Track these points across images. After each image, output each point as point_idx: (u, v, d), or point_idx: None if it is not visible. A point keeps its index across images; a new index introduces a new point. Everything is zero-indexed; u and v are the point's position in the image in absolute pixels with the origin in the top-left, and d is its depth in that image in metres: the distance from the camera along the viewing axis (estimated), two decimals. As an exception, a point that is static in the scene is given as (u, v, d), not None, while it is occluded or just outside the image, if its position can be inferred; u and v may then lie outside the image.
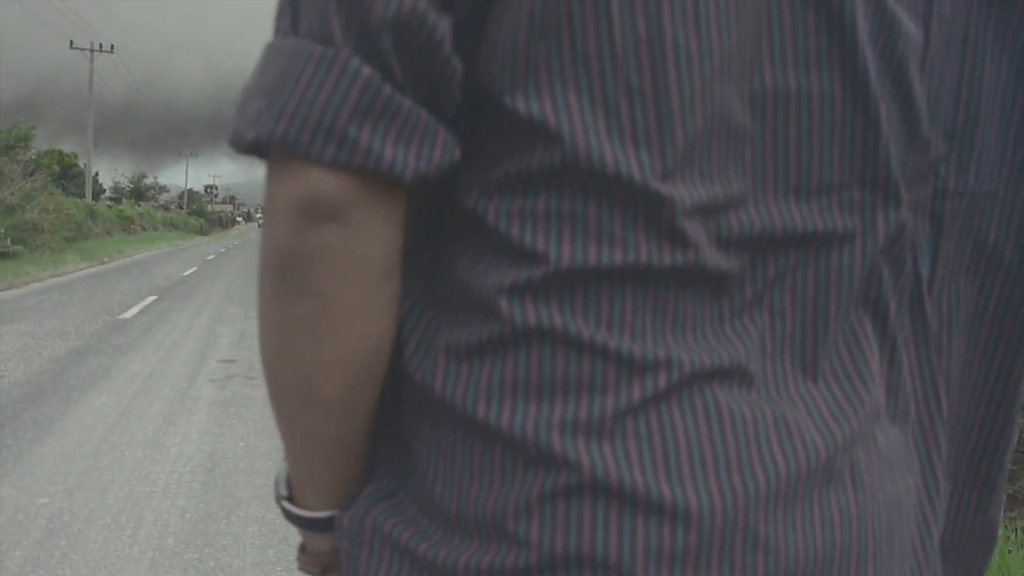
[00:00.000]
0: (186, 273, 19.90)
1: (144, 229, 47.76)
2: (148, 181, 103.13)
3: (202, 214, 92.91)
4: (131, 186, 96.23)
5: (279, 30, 0.57)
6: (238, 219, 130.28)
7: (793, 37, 0.58)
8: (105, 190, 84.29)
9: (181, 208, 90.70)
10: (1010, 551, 3.13)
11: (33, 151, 28.74)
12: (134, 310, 11.69)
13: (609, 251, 0.56)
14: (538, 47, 0.55)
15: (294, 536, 0.77)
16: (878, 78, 0.60)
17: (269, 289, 0.59)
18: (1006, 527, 3.36)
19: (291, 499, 0.69)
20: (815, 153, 0.60)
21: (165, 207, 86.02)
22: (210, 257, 28.65)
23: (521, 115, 0.56)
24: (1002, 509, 0.76)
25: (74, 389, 6.40)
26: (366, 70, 0.53)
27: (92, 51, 47.54)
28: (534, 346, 0.56)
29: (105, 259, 25.41)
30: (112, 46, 49.49)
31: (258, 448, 5.00)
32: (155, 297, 13.59)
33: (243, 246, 43.76)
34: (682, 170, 0.56)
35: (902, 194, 0.62)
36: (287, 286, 0.57)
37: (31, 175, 25.99)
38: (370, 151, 0.53)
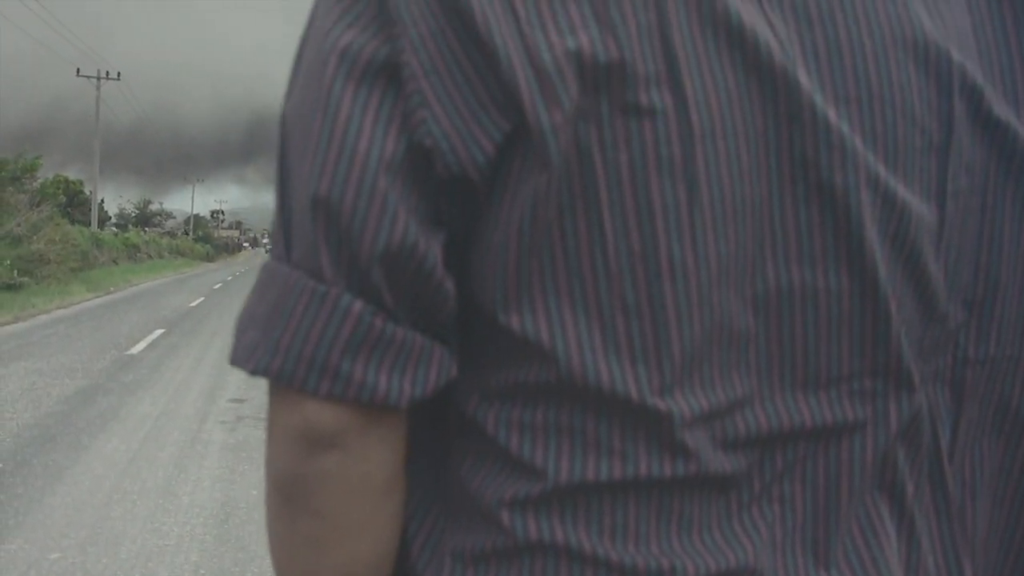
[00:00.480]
0: (193, 304, 19.90)
1: (150, 257, 47.89)
2: (154, 207, 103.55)
3: (208, 240, 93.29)
4: (136, 212, 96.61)
5: (274, 254, 0.58)
6: (244, 244, 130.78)
7: (797, 234, 0.57)
8: (111, 217, 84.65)
9: (187, 235, 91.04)
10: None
11: (39, 179, 28.85)
12: (142, 345, 11.66)
13: (608, 464, 0.56)
14: (530, 263, 0.54)
15: None
16: (888, 267, 0.58)
17: (274, 507, 0.61)
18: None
19: None
20: (822, 347, 0.58)
21: (171, 234, 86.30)
22: (217, 286, 28.69)
23: (515, 333, 0.55)
24: None
25: (83, 432, 6.36)
26: (357, 305, 0.54)
27: (99, 79, 47.88)
28: (537, 558, 0.57)
29: (111, 289, 25.43)
30: (119, 74, 49.83)
31: (270, 496, 4.93)
32: (162, 331, 13.56)
33: (249, 273, 43.76)
34: (681, 382, 0.55)
35: (915, 380, 0.61)
36: (290, 506, 0.59)
37: (38, 205, 26.09)
38: (364, 383, 0.54)
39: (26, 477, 5.18)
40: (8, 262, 21.32)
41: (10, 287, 20.05)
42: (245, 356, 0.57)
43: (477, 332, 0.58)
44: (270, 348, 0.55)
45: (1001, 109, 0.63)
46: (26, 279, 21.29)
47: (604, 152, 0.52)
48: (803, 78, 0.55)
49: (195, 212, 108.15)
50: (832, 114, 0.56)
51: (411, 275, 0.54)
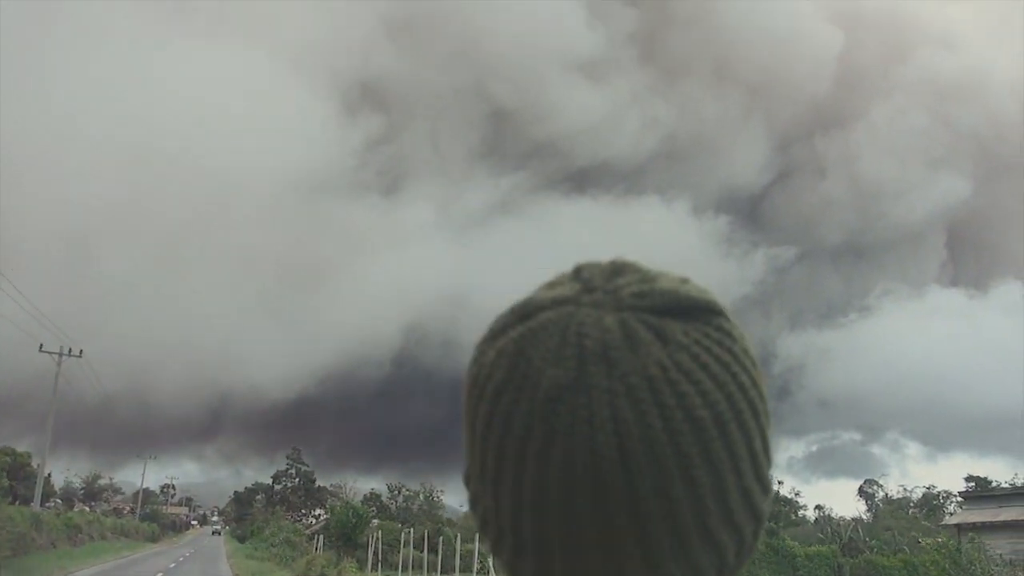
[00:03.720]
0: (127, 601, 18.65)
1: (91, 538, 45.71)
2: (103, 482, 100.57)
3: (155, 518, 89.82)
4: (83, 488, 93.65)
5: None
6: (193, 523, 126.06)
7: None
8: (56, 491, 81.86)
9: (133, 512, 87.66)
10: None
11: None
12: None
13: None
14: None
15: None
16: None
17: None
18: None
19: None
20: None
21: (117, 511, 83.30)
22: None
23: None
24: None
25: None
26: None
27: (60, 355, 47.95)
28: None
29: (42, 579, 23.94)
30: (80, 351, 49.95)
31: None
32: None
33: (194, 558, 41.79)
34: None
35: None
36: None
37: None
38: None
39: None
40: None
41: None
42: None
43: None
44: None
45: None
46: (-51, 570, 19.98)
47: None
48: None
49: (145, 486, 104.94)
50: None
51: None
